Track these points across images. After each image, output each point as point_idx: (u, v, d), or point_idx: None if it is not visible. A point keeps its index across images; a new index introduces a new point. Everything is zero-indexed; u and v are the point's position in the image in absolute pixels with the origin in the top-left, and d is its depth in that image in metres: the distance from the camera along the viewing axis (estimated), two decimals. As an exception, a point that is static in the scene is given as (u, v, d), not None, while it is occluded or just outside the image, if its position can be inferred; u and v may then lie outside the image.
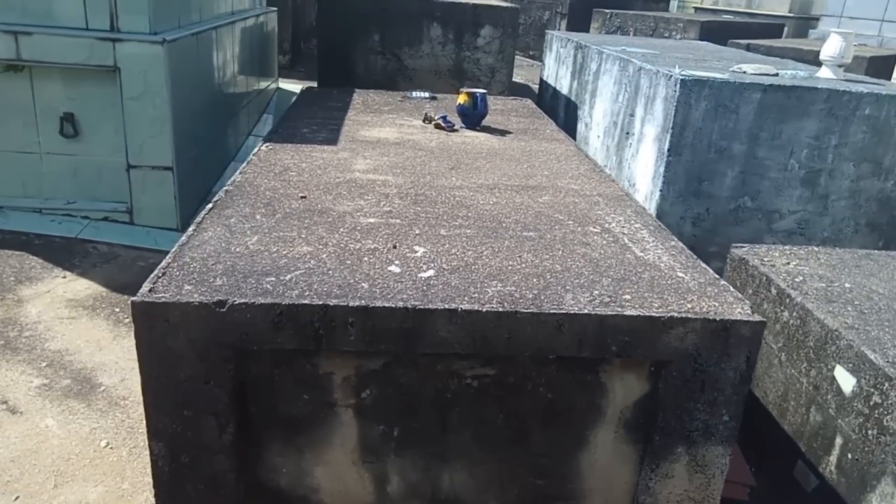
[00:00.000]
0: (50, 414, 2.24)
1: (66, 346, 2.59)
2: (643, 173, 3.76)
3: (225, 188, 2.36)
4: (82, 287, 2.98)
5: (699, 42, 6.69)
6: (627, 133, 4.05)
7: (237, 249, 1.85)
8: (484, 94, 3.54)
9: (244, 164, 2.68)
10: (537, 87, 7.27)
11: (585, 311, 1.64)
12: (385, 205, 2.31)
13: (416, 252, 1.92)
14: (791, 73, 3.83)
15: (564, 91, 5.54)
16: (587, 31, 9.69)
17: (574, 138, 4.64)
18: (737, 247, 2.82)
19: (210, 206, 2.18)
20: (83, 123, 3.37)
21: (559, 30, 10.22)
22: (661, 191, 3.56)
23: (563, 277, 1.82)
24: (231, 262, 1.77)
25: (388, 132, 3.37)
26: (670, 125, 3.46)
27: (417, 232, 2.08)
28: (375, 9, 5.14)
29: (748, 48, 7.32)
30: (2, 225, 3.30)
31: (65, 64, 3.21)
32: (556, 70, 5.84)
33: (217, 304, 1.57)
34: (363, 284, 1.71)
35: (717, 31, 8.32)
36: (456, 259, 1.90)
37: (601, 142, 4.54)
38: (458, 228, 2.13)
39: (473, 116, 3.55)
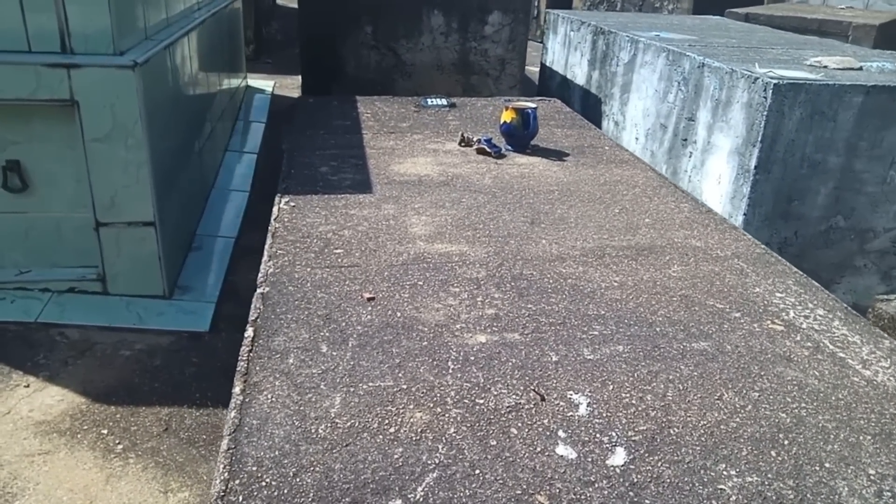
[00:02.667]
0: None
1: (42, 502, 1.91)
2: (715, 191, 3.20)
3: (260, 290, 1.69)
4: (53, 399, 2.27)
5: (726, 20, 6.10)
6: (685, 140, 3.48)
7: (320, 431, 1.22)
8: (535, 109, 2.90)
9: (269, 238, 1.99)
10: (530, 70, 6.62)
11: (893, 528, 1.07)
12: (484, 303, 1.68)
13: (578, 406, 1.32)
14: (878, 66, 3.30)
15: (579, 81, 4.92)
16: (568, 5, 9.03)
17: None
18: (883, 299, 2.30)
19: (250, 332, 1.52)
20: (33, 173, 2.60)
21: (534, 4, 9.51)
22: (745, 214, 3.01)
23: (807, 441, 1.25)
24: (322, 467, 1.13)
25: (424, 164, 2.71)
26: (758, 138, 2.90)
27: (554, 358, 1.47)
28: (364, -5, 4.40)
29: (747, 18, 6.82)
30: (-64, 311, 2.55)
31: (3, 100, 2.44)
32: (566, 56, 5.20)
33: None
34: (539, 498, 1.10)
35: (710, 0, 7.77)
36: (639, 416, 1.30)
37: (642, 145, 3.96)
38: (604, 343, 1.53)
39: (523, 138, 2.91)
